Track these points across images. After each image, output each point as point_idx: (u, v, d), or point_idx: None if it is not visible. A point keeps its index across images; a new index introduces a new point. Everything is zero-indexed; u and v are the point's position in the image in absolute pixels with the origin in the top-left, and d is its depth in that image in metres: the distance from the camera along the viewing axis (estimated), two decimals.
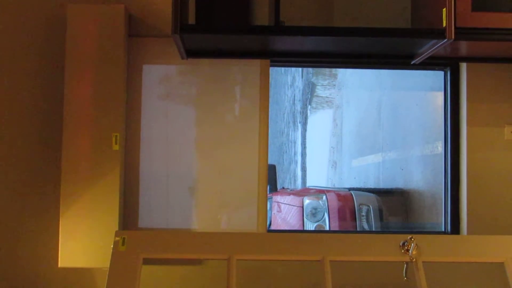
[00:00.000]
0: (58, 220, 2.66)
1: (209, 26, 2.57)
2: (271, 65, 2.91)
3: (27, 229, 2.80)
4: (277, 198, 5.95)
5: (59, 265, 2.65)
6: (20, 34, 2.83)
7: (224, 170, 2.85)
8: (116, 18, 2.68)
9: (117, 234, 2.47)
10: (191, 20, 2.54)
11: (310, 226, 5.08)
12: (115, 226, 2.64)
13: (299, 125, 9.37)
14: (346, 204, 5.02)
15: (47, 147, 2.80)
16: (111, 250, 2.42)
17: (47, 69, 2.81)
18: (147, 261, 2.46)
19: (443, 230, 3.04)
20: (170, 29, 2.30)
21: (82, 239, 2.64)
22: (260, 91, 2.86)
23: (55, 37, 2.80)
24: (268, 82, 2.91)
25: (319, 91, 8.30)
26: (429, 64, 2.99)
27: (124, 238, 2.44)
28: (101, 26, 2.68)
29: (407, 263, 2.45)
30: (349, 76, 7.30)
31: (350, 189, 5.54)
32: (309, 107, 8.83)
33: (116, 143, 2.66)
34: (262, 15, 2.72)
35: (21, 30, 2.83)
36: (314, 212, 5.10)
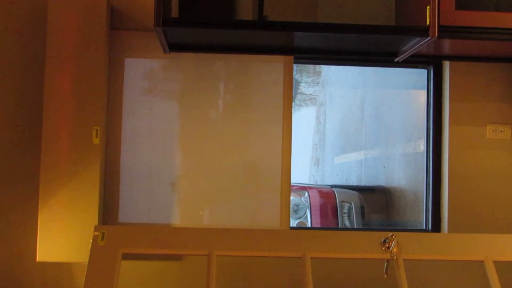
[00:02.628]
0: (37, 214, 2.63)
1: (192, 20, 2.55)
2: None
3: (5, 223, 2.77)
4: None
5: (37, 259, 2.62)
6: (0, 25, 2.79)
7: (209, 166, 2.85)
8: (98, 11, 2.65)
9: (96, 228, 2.45)
10: (174, 13, 2.52)
11: (292, 222, 5.07)
12: (94, 220, 2.61)
13: None
14: (328, 201, 5.03)
15: (26, 140, 2.76)
16: (90, 245, 2.40)
17: (27, 61, 2.78)
18: (126, 256, 2.44)
19: (424, 228, 3.05)
20: (152, 22, 2.28)
21: (61, 234, 2.61)
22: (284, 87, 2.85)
23: (35, 29, 2.76)
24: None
25: (303, 88, 8.28)
26: (413, 62, 2.99)
27: (103, 233, 2.42)
28: (82, 18, 2.64)
29: (387, 260, 2.45)
30: (332, 74, 7.30)
31: (332, 186, 5.55)
32: (292, 104, 8.82)
33: (96, 137, 2.63)
34: (246, 10, 2.71)
35: (0, 21, 2.79)
36: (296, 209, 5.10)
